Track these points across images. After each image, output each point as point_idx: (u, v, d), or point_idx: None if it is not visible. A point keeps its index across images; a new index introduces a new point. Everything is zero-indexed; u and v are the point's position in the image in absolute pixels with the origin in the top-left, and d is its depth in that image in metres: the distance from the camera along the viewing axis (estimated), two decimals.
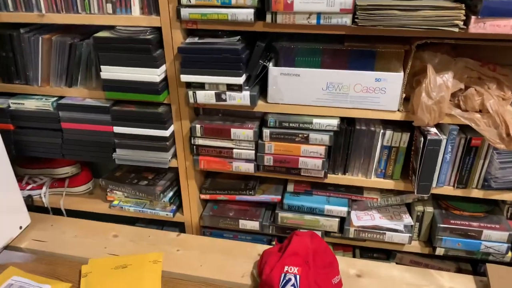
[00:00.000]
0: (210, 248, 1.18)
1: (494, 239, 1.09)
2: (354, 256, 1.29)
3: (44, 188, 1.36)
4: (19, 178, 1.31)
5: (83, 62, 1.12)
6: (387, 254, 1.29)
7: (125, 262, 1.10)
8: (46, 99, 1.17)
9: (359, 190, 1.21)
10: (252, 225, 1.23)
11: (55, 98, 1.17)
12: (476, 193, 1.08)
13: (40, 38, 1.10)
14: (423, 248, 1.18)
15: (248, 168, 1.14)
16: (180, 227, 1.34)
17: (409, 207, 1.21)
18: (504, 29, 0.84)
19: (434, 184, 1.07)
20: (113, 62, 1.06)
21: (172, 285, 1.05)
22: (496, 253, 1.11)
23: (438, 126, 1.03)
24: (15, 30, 1.11)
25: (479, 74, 1.00)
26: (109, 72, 1.07)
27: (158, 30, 1.03)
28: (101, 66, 1.07)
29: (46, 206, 1.36)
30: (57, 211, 1.36)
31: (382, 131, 1.07)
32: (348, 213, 1.17)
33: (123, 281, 1.03)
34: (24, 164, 1.38)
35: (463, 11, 0.85)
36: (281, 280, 0.94)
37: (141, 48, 1.02)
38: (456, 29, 0.86)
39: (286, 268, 0.95)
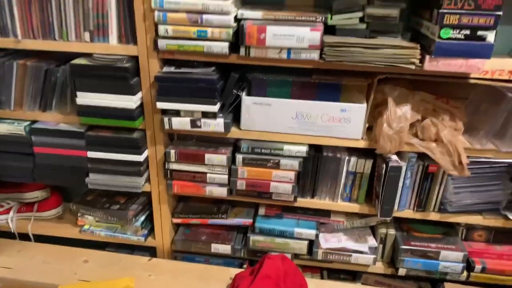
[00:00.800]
0: (182, 272, 1.19)
1: (451, 259, 1.16)
2: (322, 278, 1.33)
3: (11, 213, 1.34)
4: None
5: (58, 88, 1.14)
6: (353, 276, 1.34)
7: None
8: (18, 123, 1.17)
9: (326, 213, 1.26)
10: (224, 248, 1.26)
11: (28, 123, 1.17)
12: (434, 216, 1.16)
13: (15, 63, 1.11)
14: (386, 269, 1.24)
15: (221, 192, 1.17)
16: (150, 251, 1.34)
17: (373, 230, 1.27)
18: (455, 67, 0.93)
19: (395, 208, 1.14)
20: (89, 89, 1.08)
21: None
22: (453, 273, 1.18)
23: (398, 153, 1.11)
24: None
25: (434, 106, 1.10)
26: (85, 98, 1.09)
27: (135, 58, 1.07)
28: (77, 92, 1.09)
29: (13, 231, 1.33)
30: (24, 237, 1.33)
31: (347, 158, 1.14)
32: (317, 235, 1.22)
33: None
34: None
35: (419, 51, 0.94)
36: None
37: (118, 76, 1.05)
38: (413, 67, 0.95)
39: None
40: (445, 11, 0.88)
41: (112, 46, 1.06)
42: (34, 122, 1.18)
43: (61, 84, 1.14)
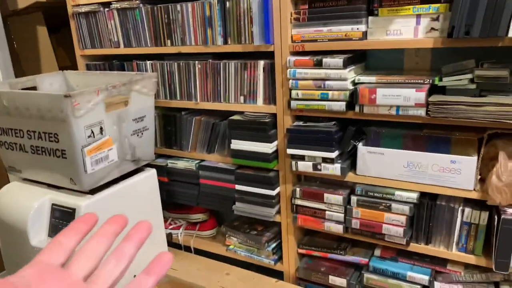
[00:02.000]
0: None
1: None
2: None
3: (181, 229, 1.77)
4: (165, 219, 1.74)
5: (220, 136, 1.53)
6: None
7: None
8: (191, 161, 1.60)
9: (443, 262, 1.29)
10: (341, 282, 1.40)
11: (197, 161, 1.59)
12: None
13: (194, 118, 1.56)
14: None
15: (338, 228, 1.34)
16: (279, 275, 1.56)
17: (498, 287, 1.23)
18: None
19: None
20: (240, 137, 1.43)
21: None
22: None
23: None
24: (178, 112, 1.59)
25: None
26: (237, 144, 1.44)
27: (273, 115, 1.38)
28: (232, 140, 1.45)
29: (180, 243, 1.75)
30: (187, 248, 1.73)
31: (461, 208, 1.18)
32: (430, 282, 1.26)
33: None
34: (170, 209, 1.81)
35: None
36: None
37: (260, 128, 1.37)
38: None
39: None
40: None
41: (259, 106, 1.40)
42: (202, 161, 1.59)
43: (222, 134, 1.52)
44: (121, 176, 1.42)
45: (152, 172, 1.50)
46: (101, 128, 1.31)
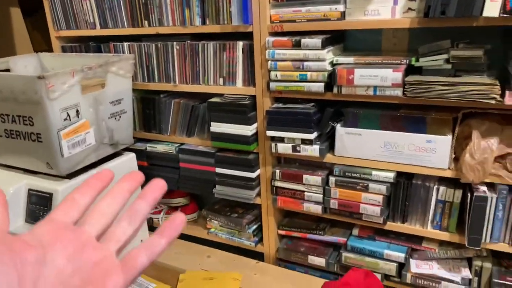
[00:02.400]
0: (281, 276, 1.40)
1: None
2: None
3: (161, 214, 1.76)
4: None
5: (199, 119, 1.52)
6: None
7: (212, 276, 1.38)
8: (171, 144, 1.59)
9: (419, 239, 1.32)
10: (319, 261, 1.43)
11: (177, 144, 1.58)
12: None
13: (173, 101, 1.54)
14: None
15: (316, 209, 1.36)
16: (260, 257, 1.58)
17: (470, 263, 1.27)
18: None
19: (487, 240, 1.15)
20: (220, 120, 1.42)
21: None
22: None
23: (491, 185, 1.14)
24: (157, 95, 1.57)
25: None
26: (216, 127, 1.44)
27: (253, 97, 1.37)
28: (211, 123, 1.44)
29: None
30: None
31: (436, 186, 1.21)
32: (406, 259, 1.29)
33: None
34: None
35: (498, 87, 1.01)
36: None
37: (240, 110, 1.37)
38: (493, 101, 1.02)
39: None
40: None
41: (238, 88, 1.40)
42: (181, 144, 1.58)
43: (202, 117, 1.51)
44: (99, 160, 1.40)
45: (131, 156, 1.49)
46: (77, 111, 1.28)
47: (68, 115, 1.25)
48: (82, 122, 1.29)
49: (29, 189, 1.28)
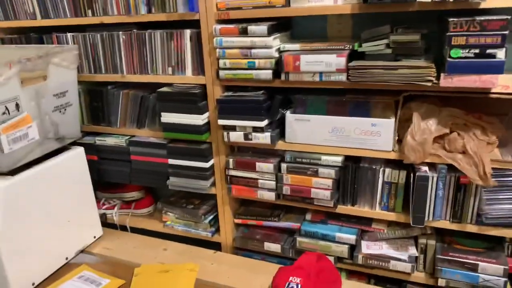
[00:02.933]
0: (238, 264, 1.41)
1: (490, 272, 1.17)
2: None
3: (115, 209, 1.72)
4: (98, 200, 1.68)
5: (149, 110, 1.49)
6: (398, 286, 1.39)
7: (167, 268, 1.37)
8: (121, 137, 1.55)
9: (368, 221, 1.37)
10: (275, 247, 1.44)
11: (128, 137, 1.54)
12: (471, 228, 1.19)
13: (121, 92, 1.50)
14: (428, 280, 1.28)
15: (270, 196, 1.37)
16: (217, 247, 1.58)
17: (417, 241, 1.33)
18: (469, 83, 1.02)
19: (430, 218, 1.21)
20: (170, 110, 1.40)
21: None
22: (495, 287, 1.18)
23: (432, 165, 1.19)
24: (104, 87, 1.53)
25: (465, 121, 1.17)
26: (167, 117, 1.41)
27: (203, 86, 1.36)
28: (162, 113, 1.42)
29: (115, 223, 1.70)
30: (123, 228, 1.69)
31: (382, 168, 1.25)
32: (357, 241, 1.33)
33: (164, 281, 1.30)
34: (102, 189, 1.75)
35: (434, 69, 1.05)
36: (286, 287, 1.13)
37: (190, 100, 1.35)
38: (429, 84, 1.06)
39: (290, 278, 1.15)
40: (452, 34, 0.99)
41: (188, 77, 1.38)
42: (132, 136, 1.55)
43: (152, 107, 1.48)
44: (45, 155, 1.34)
45: (80, 150, 1.44)
46: (17, 104, 1.22)
47: (7, 109, 1.19)
48: (22, 116, 1.24)
49: None
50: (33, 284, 1.28)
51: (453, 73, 1.02)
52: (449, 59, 1.01)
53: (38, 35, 1.55)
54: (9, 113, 1.20)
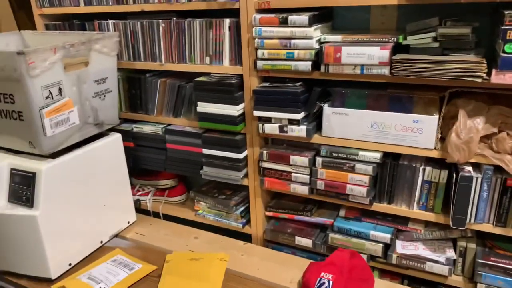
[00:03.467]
0: (268, 257, 1.40)
1: None
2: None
3: (149, 196, 1.75)
4: (133, 186, 1.71)
5: (186, 99, 1.50)
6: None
7: (198, 257, 1.38)
8: (158, 125, 1.57)
9: (404, 220, 1.33)
10: (306, 242, 1.42)
11: (164, 125, 1.56)
12: None
13: (159, 81, 1.51)
14: (466, 284, 1.23)
15: (303, 190, 1.35)
16: (248, 238, 1.58)
17: (455, 244, 1.28)
18: None
19: (472, 220, 1.16)
20: (206, 100, 1.40)
21: (232, 279, 1.29)
22: None
23: (476, 166, 1.13)
24: (143, 74, 1.54)
25: None
26: (203, 107, 1.42)
27: (240, 77, 1.35)
28: (198, 103, 1.42)
29: (149, 209, 1.73)
30: (156, 214, 1.72)
31: (422, 167, 1.20)
32: (392, 240, 1.29)
33: (195, 269, 1.31)
34: (138, 176, 1.79)
35: (485, 65, 1.00)
36: (317, 283, 1.11)
37: (226, 90, 1.35)
38: (479, 80, 1.01)
39: (322, 273, 1.13)
40: (507, 27, 0.93)
41: (225, 67, 1.37)
42: (168, 125, 1.56)
43: (189, 97, 1.49)
44: (84, 140, 1.37)
45: (117, 136, 1.46)
46: (59, 89, 1.25)
47: (51, 93, 1.22)
48: (65, 100, 1.27)
49: (12, 169, 1.26)
50: (69, 264, 1.33)
51: (506, 69, 0.96)
52: (502, 54, 0.95)
53: (80, 22, 1.59)
54: (52, 98, 1.23)
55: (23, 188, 1.24)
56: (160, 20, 1.41)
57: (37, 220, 1.20)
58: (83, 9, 1.54)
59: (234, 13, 1.29)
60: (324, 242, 1.41)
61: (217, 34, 1.34)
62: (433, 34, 1.09)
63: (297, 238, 1.44)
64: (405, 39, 1.12)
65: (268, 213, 1.51)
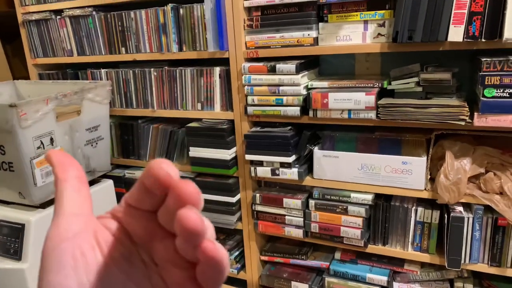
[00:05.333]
0: None
1: None
2: None
3: None
4: None
5: (178, 144, 1.51)
6: None
7: None
8: None
9: (401, 262, 1.32)
10: (303, 287, 1.40)
11: None
12: (511, 272, 1.13)
13: (151, 126, 1.53)
14: None
15: (298, 233, 1.34)
16: (243, 284, 1.55)
17: (452, 284, 1.27)
18: (505, 122, 0.99)
19: (466, 260, 1.15)
20: (198, 144, 1.41)
21: None
22: None
23: (467, 206, 1.15)
24: (135, 121, 1.56)
25: (501, 161, 1.13)
26: (195, 152, 1.43)
27: (231, 122, 1.37)
28: (190, 147, 1.43)
29: None
30: None
31: (414, 207, 1.21)
32: (389, 282, 1.28)
33: None
34: None
35: (467, 109, 1.03)
36: None
37: (218, 135, 1.36)
38: (463, 123, 1.04)
39: None
40: (485, 73, 0.97)
41: (216, 113, 1.40)
42: None
43: (181, 142, 1.50)
44: None
45: (109, 183, 1.46)
46: (51, 139, 1.26)
47: (42, 143, 1.23)
48: (57, 150, 1.27)
49: (0, 220, 1.24)
50: None
51: (487, 112, 1.00)
52: (482, 98, 0.99)
53: (73, 71, 1.62)
54: (44, 147, 1.23)
55: (11, 240, 1.22)
56: (152, 69, 1.45)
57: (25, 273, 1.17)
58: (76, 59, 1.58)
59: (224, 62, 1.33)
60: (320, 286, 1.38)
61: (208, 82, 1.38)
62: (416, 79, 1.13)
63: (293, 283, 1.41)
64: (389, 84, 1.16)
65: (263, 257, 1.49)
